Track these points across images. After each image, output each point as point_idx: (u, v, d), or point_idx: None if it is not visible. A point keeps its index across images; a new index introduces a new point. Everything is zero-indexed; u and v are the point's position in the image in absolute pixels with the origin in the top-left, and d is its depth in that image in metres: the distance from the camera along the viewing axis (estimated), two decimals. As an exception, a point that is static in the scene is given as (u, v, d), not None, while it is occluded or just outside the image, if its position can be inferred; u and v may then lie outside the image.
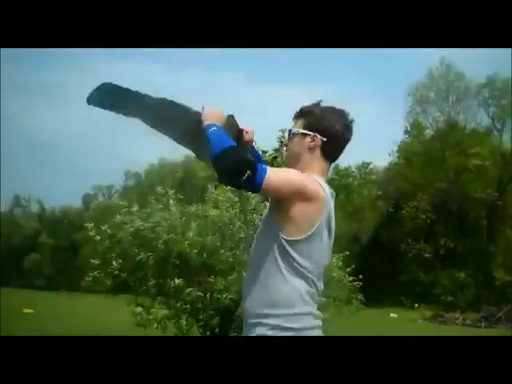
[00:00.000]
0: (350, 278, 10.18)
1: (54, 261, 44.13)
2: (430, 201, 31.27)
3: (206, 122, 2.23)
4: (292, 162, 2.26)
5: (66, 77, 62.12)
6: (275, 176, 2.07)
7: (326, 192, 2.13)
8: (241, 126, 2.45)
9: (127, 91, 2.34)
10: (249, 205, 9.03)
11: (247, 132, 2.43)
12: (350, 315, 9.32)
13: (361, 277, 10.11)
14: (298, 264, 2.10)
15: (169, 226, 8.50)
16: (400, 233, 31.05)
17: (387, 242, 31.08)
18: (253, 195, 8.56)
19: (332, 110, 2.26)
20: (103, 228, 8.75)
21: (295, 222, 2.10)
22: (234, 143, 2.16)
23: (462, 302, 26.68)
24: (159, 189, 9.28)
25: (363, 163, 40.90)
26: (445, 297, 27.63)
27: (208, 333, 8.78)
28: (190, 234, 8.28)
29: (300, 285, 2.11)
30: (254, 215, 8.21)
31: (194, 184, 37.00)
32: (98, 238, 8.46)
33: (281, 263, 2.11)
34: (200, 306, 8.08)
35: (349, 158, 38.10)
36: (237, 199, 9.22)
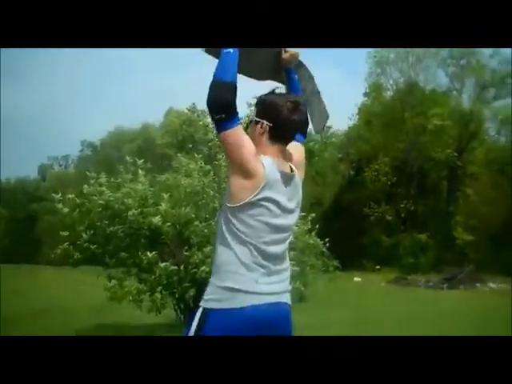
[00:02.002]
0: (325, 245, 10.09)
1: (10, 232, 43.02)
2: (390, 163, 31.48)
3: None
4: None
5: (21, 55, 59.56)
6: (236, 137, 2.30)
7: (268, 173, 2.33)
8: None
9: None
10: (222, 173, 8.76)
11: (286, 52, 2.72)
12: (328, 282, 9.30)
13: (327, 240, 10.05)
14: (237, 229, 2.33)
15: (140, 197, 8.21)
16: (362, 196, 31.25)
17: (349, 205, 31.27)
18: (224, 163, 8.30)
19: (281, 97, 2.49)
20: (70, 197, 8.41)
21: (233, 191, 2.34)
22: (234, 79, 2.32)
23: (424, 264, 27.07)
24: (128, 158, 8.98)
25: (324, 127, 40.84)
26: (407, 259, 27.98)
27: (182, 305, 8.58)
28: (162, 205, 7.99)
29: (239, 250, 2.33)
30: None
31: (153, 151, 36.40)
32: (66, 210, 8.09)
33: (224, 227, 2.37)
34: (175, 279, 7.84)
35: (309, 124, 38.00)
36: (209, 167, 8.95)
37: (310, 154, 38.53)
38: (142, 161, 8.71)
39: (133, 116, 43.55)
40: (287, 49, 2.71)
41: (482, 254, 25.97)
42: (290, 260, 2.66)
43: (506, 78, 30.41)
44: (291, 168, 2.48)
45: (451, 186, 31.20)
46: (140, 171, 8.52)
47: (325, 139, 41.10)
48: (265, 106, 2.48)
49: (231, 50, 2.36)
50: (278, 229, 2.40)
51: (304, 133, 2.68)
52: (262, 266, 2.36)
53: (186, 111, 33.66)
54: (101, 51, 51.86)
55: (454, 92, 33.42)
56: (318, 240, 10.04)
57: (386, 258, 28.09)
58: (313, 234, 9.37)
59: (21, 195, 43.93)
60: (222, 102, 2.28)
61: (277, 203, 2.38)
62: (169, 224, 7.87)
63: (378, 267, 26.87)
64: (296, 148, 2.61)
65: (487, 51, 30.76)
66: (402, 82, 34.11)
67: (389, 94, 35.26)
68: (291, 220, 2.48)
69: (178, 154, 9.83)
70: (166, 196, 8.07)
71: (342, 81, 51.20)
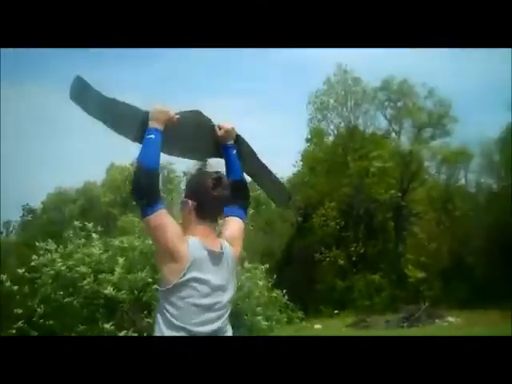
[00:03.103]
0: (284, 296, 9.90)
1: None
2: (337, 207, 31.83)
3: (150, 124, 2.40)
4: (182, 226, 2.49)
5: None
6: (159, 220, 2.33)
7: (193, 252, 2.35)
8: (219, 123, 2.64)
9: (96, 91, 2.39)
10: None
11: (221, 128, 2.69)
12: (294, 333, 9.12)
13: (284, 291, 9.89)
14: (169, 313, 2.33)
15: (94, 263, 7.86)
16: (312, 242, 31.34)
17: (301, 252, 31.26)
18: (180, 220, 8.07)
19: (203, 175, 2.53)
20: (20, 271, 7.99)
21: (161, 274, 2.38)
22: (156, 166, 2.37)
23: (379, 305, 27.17)
24: (76, 223, 8.59)
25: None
26: (362, 301, 28.02)
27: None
28: (116, 270, 7.64)
29: (170, 335, 2.30)
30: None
31: (97, 211, 35.67)
32: (16, 287, 7.66)
33: (157, 312, 2.39)
34: (137, 348, 7.43)
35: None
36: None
37: (256, 202, 38.73)
38: (91, 224, 8.37)
39: (72, 174, 42.70)
40: (221, 124, 2.72)
41: (436, 290, 26.35)
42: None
43: (442, 118, 31.62)
44: (221, 245, 2.50)
45: (398, 225, 31.71)
46: (94, 235, 8.16)
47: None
48: (189, 186, 2.56)
49: (153, 136, 2.38)
50: (209, 308, 2.39)
51: (242, 207, 2.71)
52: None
53: (128, 166, 33.27)
54: (35, 111, 51.05)
55: (393, 134, 34.39)
56: (279, 292, 9.84)
57: (342, 301, 28.06)
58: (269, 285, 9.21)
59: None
60: (143, 188, 2.34)
61: (205, 282, 2.38)
62: (124, 291, 7.51)
63: (336, 311, 26.78)
64: (234, 222, 2.66)
65: (422, 92, 32.02)
66: (342, 127, 34.89)
67: (330, 138, 35.96)
68: (225, 297, 2.46)
69: (130, 214, 9.54)
70: (121, 260, 7.72)
71: (283, 127, 51.91)
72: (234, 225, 2.66)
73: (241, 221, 2.69)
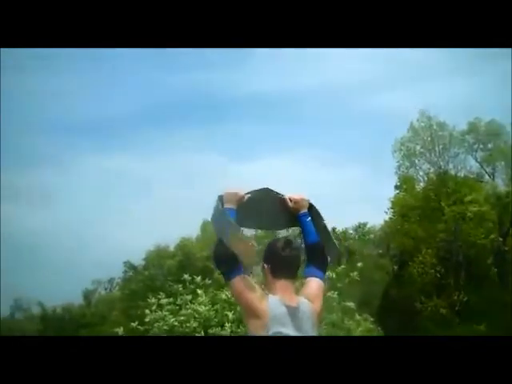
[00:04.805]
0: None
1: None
2: (435, 254, 30.91)
3: (224, 205, 2.81)
4: (265, 285, 2.85)
5: (50, 178, 61.99)
6: (238, 285, 2.68)
7: (273, 309, 2.63)
8: (288, 195, 3.00)
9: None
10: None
11: (291, 200, 3.02)
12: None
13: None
14: None
15: (204, 319, 8.16)
16: (411, 290, 30.45)
17: (399, 301, 30.45)
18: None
19: (274, 240, 2.91)
20: (133, 325, 8.41)
21: (249, 331, 2.64)
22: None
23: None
24: (186, 276, 8.93)
25: (359, 224, 40.78)
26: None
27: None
28: (226, 325, 7.91)
29: None
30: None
31: (194, 265, 36.49)
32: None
33: None
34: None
35: (345, 221, 38.11)
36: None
37: (349, 253, 38.27)
38: (199, 277, 8.70)
39: (167, 231, 44.05)
40: (291, 196, 3.04)
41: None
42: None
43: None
44: (298, 301, 2.76)
45: (501, 271, 30.31)
46: (199, 291, 8.46)
47: (362, 236, 40.90)
48: (265, 251, 2.88)
49: (227, 213, 2.76)
50: None
51: (320, 267, 2.97)
52: None
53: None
54: (125, 171, 53.60)
55: (486, 176, 33.35)
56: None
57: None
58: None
59: (68, 323, 43.96)
60: (221, 259, 2.72)
61: (287, 335, 2.60)
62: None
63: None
64: (312, 282, 2.92)
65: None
66: (432, 172, 34.21)
67: (421, 185, 35.30)
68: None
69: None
70: (230, 315, 8.01)
71: (370, 178, 51.67)
72: (312, 284, 2.91)
73: (319, 280, 2.94)
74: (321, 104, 52.02)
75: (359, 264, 13.01)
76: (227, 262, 2.71)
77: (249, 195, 2.91)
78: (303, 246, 3.00)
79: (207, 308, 8.33)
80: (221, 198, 2.86)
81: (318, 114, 53.34)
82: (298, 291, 2.89)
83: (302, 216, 3.05)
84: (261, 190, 3.00)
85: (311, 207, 3.11)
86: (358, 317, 8.68)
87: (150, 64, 53.81)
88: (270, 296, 2.71)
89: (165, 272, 36.29)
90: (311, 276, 2.94)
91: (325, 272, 3.02)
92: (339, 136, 55.10)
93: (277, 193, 3.04)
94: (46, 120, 56.99)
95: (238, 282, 2.69)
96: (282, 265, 2.80)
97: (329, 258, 3.13)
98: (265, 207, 3.01)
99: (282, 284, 2.77)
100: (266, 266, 2.83)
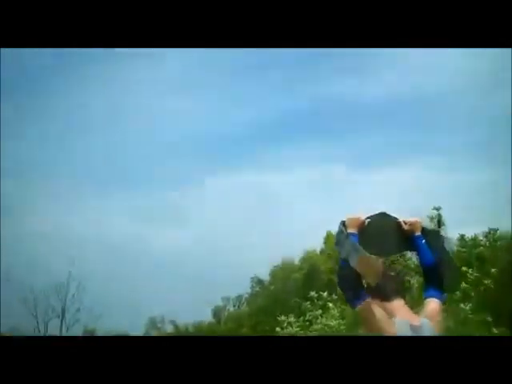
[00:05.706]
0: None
1: None
2: None
3: (348, 230, 2.92)
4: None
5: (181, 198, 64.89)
6: (364, 312, 2.75)
7: (399, 330, 2.70)
8: (402, 218, 3.07)
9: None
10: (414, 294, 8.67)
11: (406, 223, 3.08)
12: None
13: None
14: None
15: (334, 333, 8.33)
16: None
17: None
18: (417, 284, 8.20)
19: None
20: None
21: None
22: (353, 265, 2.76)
23: None
24: (313, 293, 9.05)
25: (490, 229, 38.81)
26: None
27: None
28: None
29: None
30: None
31: (319, 278, 36.47)
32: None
33: None
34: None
35: (473, 228, 36.38)
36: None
37: (480, 261, 36.42)
38: (326, 293, 8.73)
39: (291, 244, 44.19)
40: (406, 220, 3.10)
41: None
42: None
43: None
44: (419, 320, 2.83)
45: None
46: (330, 304, 8.63)
47: (493, 242, 38.84)
48: None
49: (351, 238, 2.86)
50: None
51: (437, 288, 3.02)
52: None
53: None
54: (252, 183, 54.52)
55: None
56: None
57: None
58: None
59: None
60: (347, 283, 2.82)
61: None
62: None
63: None
64: (430, 302, 2.99)
65: None
66: None
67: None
68: None
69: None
70: (360, 330, 8.14)
71: (501, 180, 49.09)
72: (430, 304, 2.97)
73: (437, 300, 2.99)
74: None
75: (493, 270, 12.39)
76: (353, 288, 2.79)
77: (368, 219, 3.01)
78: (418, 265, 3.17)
79: (338, 322, 8.47)
80: (343, 223, 2.95)
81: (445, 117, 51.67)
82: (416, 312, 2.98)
83: (417, 238, 3.09)
84: (378, 214, 3.07)
85: (424, 229, 3.13)
86: (495, 331, 8.41)
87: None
88: (397, 318, 2.78)
89: (291, 286, 36.67)
90: (429, 297, 3.02)
91: (443, 292, 3.06)
92: (464, 139, 52.87)
93: (393, 217, 3.11)
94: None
95: (362, 308, 2.77)
96: (382, 286, 2.86)
97: (452, 281, 3.18)
98: (382, 232, 3.07)
99: (397, 304, 2.87)
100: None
